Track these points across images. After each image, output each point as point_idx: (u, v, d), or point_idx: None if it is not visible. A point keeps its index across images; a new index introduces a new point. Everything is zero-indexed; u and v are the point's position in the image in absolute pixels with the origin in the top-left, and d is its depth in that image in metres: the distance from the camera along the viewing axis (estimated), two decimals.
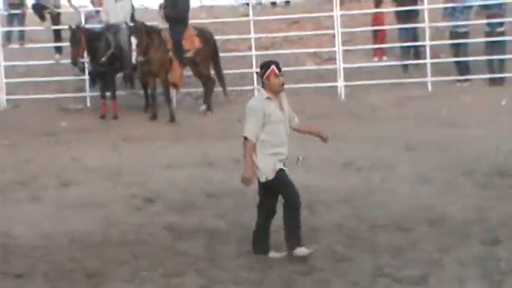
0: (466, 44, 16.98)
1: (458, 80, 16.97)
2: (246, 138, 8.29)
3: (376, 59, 18.62)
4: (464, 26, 16.92)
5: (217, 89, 17.00)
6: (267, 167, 8.39)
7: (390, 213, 9.91)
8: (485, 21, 16.61)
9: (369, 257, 8.48)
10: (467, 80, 16.93)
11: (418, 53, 18.00)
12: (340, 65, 17.26)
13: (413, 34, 17.92)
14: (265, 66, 8.38)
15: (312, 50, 18.91)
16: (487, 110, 15.28)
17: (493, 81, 16.52)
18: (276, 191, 8.52)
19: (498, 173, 11.43)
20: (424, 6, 17.29)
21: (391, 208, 10.13)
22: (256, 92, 17.36)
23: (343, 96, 17.14)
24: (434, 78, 16.85)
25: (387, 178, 11.57)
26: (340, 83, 17.18)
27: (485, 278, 7.82)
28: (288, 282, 7.98)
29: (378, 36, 18.59)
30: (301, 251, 8.40)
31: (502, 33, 16.52)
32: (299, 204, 8.48)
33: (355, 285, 7.84)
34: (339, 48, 17.35)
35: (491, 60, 16.64)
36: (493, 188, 10.77)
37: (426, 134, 14.07)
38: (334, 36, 17.57)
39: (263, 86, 8.39)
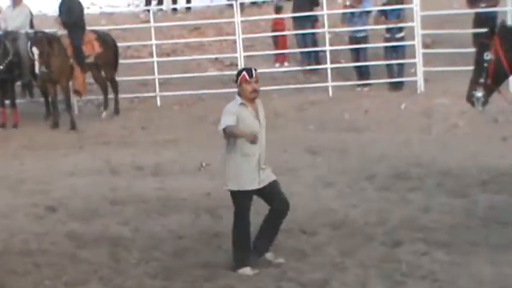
0: (365, 49, 17.25)
1: (359, 85, 17.22)
2: (224, 131, 8.10)
3: (277, 64, 18.76)
4: (363, 31, 17.19)
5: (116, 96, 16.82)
6: (241, 175, 8.25)
7: (294, 218, 9.95)
8: (383, 26, 16.91)
9: (275, 262, 8.52)
10: (367, 84, 17.19)
11: (318, 58, 18.21)
12: None
13: (313, 39, 18.13)
14: (238, 72, 8.37)
15: (213, 56, 18.92)
16: (387, 114, 15.55)
17: (392, 86, 16.83)
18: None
19: (398, 176, 11.64)
20: (323, 12, 17.49)
21: (294, 212, 10.16)
22: (158, 100, 17.32)
23: None
24: (335, 83, 17.06)
25: (290, 182, 11.63)
26: None
27: (387, 279, 7.96)
28: None
29: (279, 42, 18.73)
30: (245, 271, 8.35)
31: (401, 39, 16.85)
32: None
33: None
34: (240, 54, 17.41)
35: (390, 65, 16.95)
36: (394, 191, 10.96)
37: (328, 139, 14.24)
38: (235, 42, 17.61)
39: (238, 93, 8.32)
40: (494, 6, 16.41)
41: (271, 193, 8.43)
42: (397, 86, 16.78)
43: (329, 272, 8.20)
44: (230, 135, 8.11)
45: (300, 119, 15.96)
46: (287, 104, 16.70)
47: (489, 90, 8.31)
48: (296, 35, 18.36)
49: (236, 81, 8.31)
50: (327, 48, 17.33)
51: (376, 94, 16.67)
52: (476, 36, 15.84)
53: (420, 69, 16.56)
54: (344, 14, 17.47)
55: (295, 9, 18.14)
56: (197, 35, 20.00)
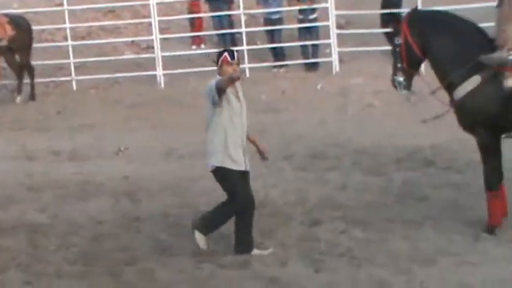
0: (280, 30, 17.35)
1: (275, 66, 17.33)
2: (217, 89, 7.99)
3: (194, 46, 18.73)
4: (277, 12, 17.28)
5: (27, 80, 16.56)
6: (229, 155, 8.13)
7: (213, 200, 9.99)
8: (297, 7, 17.02)
9: (193, 244, 8.56)
10: (283, 65, 17.31)
11: (234, 40, 18.24)
12: (159, 53, 17.24)
13: (229, 21, 18.15)
14: (219, 53, 8.27)
15: (129, 39, 18.78)
16: (304, 94, 15.69)
17: (308, 67, 16.98)
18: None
19: (315, 156, 11.79)
20: None
21: (214, 194, 10.22)
22: (74, 84, 17.11)
23: (162, 85, 17.14)
24: (251, 65, 17.12)
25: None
26: (159, 72, 17.16)
27: (306, 258, 8.07)
28: (114, 273, 7.94)
29: (195, 24, 18.69)
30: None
31: (314, 20, 17.00)
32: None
33: (180, 272, 7.91)
34: (156, 37, 17.32)
35: (305, 46, 17.09)
36: (311, 171, 11.10)
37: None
38: (151, 24, 17.51)
39: (218, 73, 8.23)
40: None
41: (244, 183, 8.35)
42: (312, 67, 16.94)
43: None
44: (223, 88, 7.98)
45: None
46: (205, 87, 16.67)
47: (408, 75, 8.43)
48: (212, 17, 18.35)
49: (216, 62, 8.23)
50: (243, 30, 17.37)
51: (293, 75, 16.80)
52: (383, 18, 16.17)
53: (335, 49, 16.74)
54: None
55: None
56: (112, 18, 19.83)
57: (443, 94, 8.58)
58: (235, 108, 8.15)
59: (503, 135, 8.32)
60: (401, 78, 8.42)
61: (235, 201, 8.21)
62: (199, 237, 8.26)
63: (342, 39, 16.95)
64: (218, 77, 8.14)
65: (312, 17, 16.92)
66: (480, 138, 8.29)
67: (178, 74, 17.21)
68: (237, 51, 8.34)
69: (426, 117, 9.36)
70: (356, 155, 11.64)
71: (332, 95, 15.47)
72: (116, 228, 9.30)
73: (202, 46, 18.76)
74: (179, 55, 17.80)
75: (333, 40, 16.72)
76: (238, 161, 8.17)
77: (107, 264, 8.17)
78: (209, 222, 8.30)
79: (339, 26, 17.26)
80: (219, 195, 10.04)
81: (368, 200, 9.73)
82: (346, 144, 12.25)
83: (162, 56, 17.25)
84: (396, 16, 8.44)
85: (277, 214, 9.47)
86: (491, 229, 8.34)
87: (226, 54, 8.20)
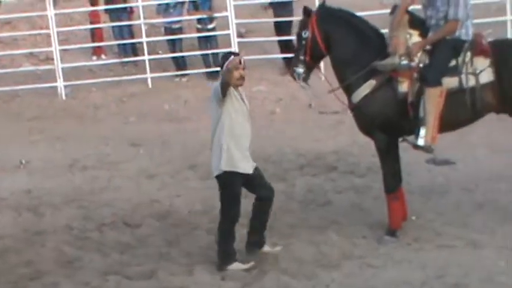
0: (181, 39, 17.36)
1: (177, 75, 17.32)
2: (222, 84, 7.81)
3: (94, 57, 18.56)
4: (178, 22, 17.28)
5: None
6: (232, 157, 7.95)
7: (117, 211, 9.96)
8: (196, 17, 17.06)
9: (99, 256, 8.49)
10: (185, 74, 17.31)
11: (135, 49, 18.16)
12: (59, 64, 17.01)
13: (130, 31, 18.07)
14: (225, 57, 8.05)
15: (27, 51, 18.47)
16: (206, 103, 15.70)
17: (209, 75, 17.02)
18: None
19: None
20: (139, 3, 17.45)
21: (118, 206, 10.18)
22: None
23: (64, 97, 16.91)
24: (153, 74, 17.07)
25: (113, 176, 11.61)
26: (60, 83, 16.94)
27: (212, 265, 8.08)
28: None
29: (96, 34, 18.53)
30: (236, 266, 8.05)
31: (213, 29, 17.08)
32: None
33: (86, 285, 7.82)
34: (55, 48, 17.09)
35: (206, 55, 17.13)
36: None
37: (149, 130, 14.26)
38: (50, 36, 17.27)
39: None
40: None
41: (257, 180, 8.17)
42: (214, 76, 16.97)
43: (155, 263, 8.24)
44: (228, 80, 7.81)
45: (120, 111, 15.89)
46: (106, 97, 16.58)
47: (309, 67, 8.55)
48: (112, 27, 18.22)
49: (221, 66, 8.00)
50: (144, 39, 17.30)
51: (195, 84, 16.82)
52: (276, 26, 16.40)
53: None
54: (159, 5, 17.49)
55: (109, 1, 17.99)
56: (9, 30, 19.45)
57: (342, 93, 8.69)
58: (240, 110, 8.02)
59: (400, 139, 8.51)
60: (301, 70, 8.51)
61: (229, 212, 8.01)
62: (234, 267, 7.98)
63: (242, 48, 17.04)
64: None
65: (210, 26, 16.99)
66: (378, 142, 8.46)
67: (80, 85, 17.03)
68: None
69: (324, 111, 9.52)
70: (259, 162, 11.65)
71: None
72: (19, 242, 9.13)
73: (103, 57, 18.60)
74: (80, 66, 17.61)
75: (234, 48, 16.80)
76: (244, 164, 8.03)
77: (10, 280, 8.02)
78: (221, 252, 8.06)
79: (239, 35, 17.37)
80: (122, 206, 10.03)
81: (272, 207, 9.78)
82: (249, 151, 12.28)
83: (63, 68, 17.04)
84: (306, 10, 8.49)
85: (183, 223, 9.47)
86: (392, 232, 8.51)
87: (232, 57, 8.01)
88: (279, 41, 16.69)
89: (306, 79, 8.59)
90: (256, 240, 8.21)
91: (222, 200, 8.06)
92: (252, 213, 8.24)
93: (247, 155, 8.06)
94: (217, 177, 8.04)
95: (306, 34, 8.43)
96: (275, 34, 16.71)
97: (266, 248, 8.25)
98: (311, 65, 8.52)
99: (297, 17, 15.88)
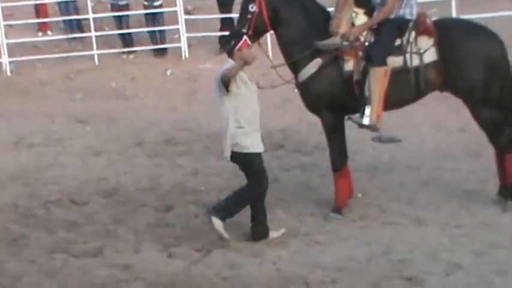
0: (127, 16, 17.22)
1: (124, 52, 17.19)
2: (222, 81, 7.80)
3: (40, 33, 18.33)
4: None
5: None
6: (248, 137, 7.91)
7: (64, 189, 9.89)
8: None
9: (45, 234, 8.43)
10: (132, 51, 17.20)
11: (81, 26, 17.97)
12: (3, 40, 16.77)
13: (76, 7, 17.86)
14: (235, 36, 7.99)
15: None
16: (154, 80, 15.66)
17: (157, 53, 16.94)
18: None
19: (167, 142, 11.81)
20: None
21: (64, 183, 10.11)
22: None
23: (8, 73, 16.69)
24: (100, 51, 16.92)
25: (59, 153, 11.52)
26: (5, 59, 16.71)
27: (159, 243, 8.09)
28: None
29: (41, 10, 18.29)
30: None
31: (159, 6, 16.98)
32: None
33: (32, 263, 7.76)
34: (0, 24, 16.83)
35: (153, 32, 17.03)
36: (163, 157, 11.12)
37: (96, 107, 14.16)
38: None
39: (230, 56, 7.96)
40: None
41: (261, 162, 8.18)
42: (161, 53, 16.91)
43: (102, 241, 8.22)
44: (230, 77, 7.78)
45: (67, 88, 15.74)
46: (53, 74, 16.40)
47: (251, 41, 8.55)
48: (58, 3, 17.99)
49: (233, 46, 7.92)
50: (90, 16, 17.13)
51: (142, 61, 16.73)
52: (219, 3, 16.39)
53: (183, 35, 16.76)
54: None
55: None
56: None
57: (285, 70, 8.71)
58: (251, 91, 8.00)
59: (346, 117, 8.58)
60: None
61: (260, 186, 8.06)
62: (217, 223, 7.99)
63: (190, 25, 16.99)
64: (229, 62, 7.96)
65: (157, 3, 16.89)
66: (324, 121, 8.52)
67: (26, 61, 16.81)
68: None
69: (260, 84, 9.56)
70: (207, 140, 11.72)
71: (182, 81, 15.51)
72: None
73: (49, 33, 18.38)
74: (25, 42, 17.39)
75: (181, 26, 16.73)
76: (259, 143, 8.04)
77: None
78: (228, 208, 8.08)
79: (186, 12, 17.29)
80: (69, 184, 9.95)
81: (220, 184, 9.83)
82: (196, 129, 12.32)
83: (7, 43, 16.80)
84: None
85: (130, 201, 9.44)
86: (338, 209, 8.59)
87: (246, 37, 7.98)
88: (221, 19, 16.70)
89: None
90: (262, 224, 8.19)
91: (250, 179, 8.07)
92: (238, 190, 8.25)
93: (259, 133, 8.09)
94: (236, 159, 8.02)
95: (253, 8, 8.41)
96: (218, 11, 16.71)
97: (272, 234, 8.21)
98: (252, 39, 8.53)
99: None
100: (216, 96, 8.08)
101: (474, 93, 8.31)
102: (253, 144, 7.97)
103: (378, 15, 8.32)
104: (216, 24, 17.04)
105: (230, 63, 7.97)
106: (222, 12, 16.63)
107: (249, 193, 8.11)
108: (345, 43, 8.20)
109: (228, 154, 8.00)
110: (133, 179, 10.25)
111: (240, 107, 7.88)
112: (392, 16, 8.32)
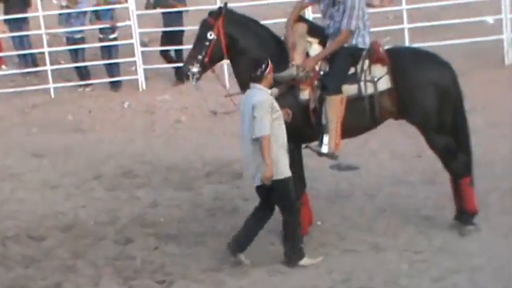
0: (83, 49, 17.17)
1: (80, 85, 17.12)
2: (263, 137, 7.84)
3: None
4: (80, 31, 17.08)
5: None
6: (284, 163, 7.99)
7: (21, 223, 9.80)
8: (98, 26, 16.90)
9: (2, 270, 8.36)
10: (89, 84, 17.13)
11: (36, 60, 17.86)
12: None
13: (29, 42, 17.77)
14: (259, 63, 8.01)
15: None
16: (111, 113, 15.60)
17: (113, 85, 16.89)
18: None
19: (125, 174, 11.76)
20: (39, 13, 17.18)
21: (21, 218, 10.02)
22: None
23: None
24: (56, 85, 16.82)
25: (16, 188, 11.42)
26: None
27: (119, 276, 8.06)
28: None
29: None
30: (306, 261, 8.12)
31: (115, 39, 16.96)
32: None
33: None
34: None
35: (109, 65, 16.99)
36: (122, 190, 11.07)
37: (52, 141, 14.05)
38: None
39: (259, 82, 7.97)
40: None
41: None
42: (117, 85, 16.88)
43: (61, 276, 8.16)
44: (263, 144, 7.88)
45: (23, 122, 15.60)
46: (8, 108, 16.26)
47: (204, 68, 8.58)
48: (12, 37, 17.89)
49: (263, 71, 7.97)
50: (45, 49, 17.05)
51: (99, 94, 16.66)
52: (168, 36, 16.49)
53: (140, 67, 16.76)
54: (61, 15, 17.25)
55: (7, 11, 17.64)
56: None
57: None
58: (279, 119, 8.06)
59: (303, 145, 8.64)
60: (195, 69, 8.53)
61: (296, 210, 8.15)
62: (307, 261, 8.08)
63: (146, 57, 16.99)
64: (263, 88, 8.01)
65: (112, 36, 16.87)
66: None
67: None
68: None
69: (216, 110, 9.63)
70: (166, 171, 11.71)
71: (139, 113, 15.47)
72: None
73: (3, 67, 18.25)
74: None
75: (137, 58, 16.73)
76: (288, 167, 8.11)
77: None
78: (288, 238, 8.15)
79: (142, 44, 17.30)
80: (26, 218, 9.84)
81: (179, 216, 9.82)
82: (155, 161, 12.30)
83: None
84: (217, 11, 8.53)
85: (88, 234, 9.39)
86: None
87: (270, 63, 8.05)
88: (162, 51, 16.78)
89: (198, 79, 8.61)
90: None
91: (287, 205, 8.10)
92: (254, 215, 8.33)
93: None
94: (282, 184, 8.03)
95: (212, 36, 8.46)
96: (160, 44, 16.79)
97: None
98: (207, 67, 8.58)
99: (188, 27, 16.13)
100: (245, 125, 8.07)
101: (428, 121, 8.44)
102: (288, 169, 8.07)
103: (331, 45, 8.43)
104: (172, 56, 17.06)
105: (260, 87, 7.99)
106: (167, 45, 16.68)
107: (290, 221, 8.12)
108: (301, 74, 8.28)
109: (259, 182, 8.03)
110: (92, 212, 10.19)
111: (276, 133, 7.96)
112: (345, 45, 8.43)
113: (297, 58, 8.34)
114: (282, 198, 8.09)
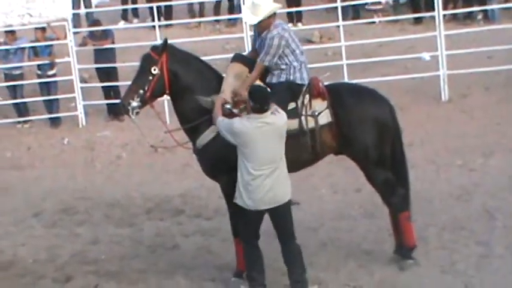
0: (22, 85, 17.03)
1: (19, 122, 16.96)
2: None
3: None
4: (18, 68, 16.95)
5: None
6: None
7: None
8: (36, 63, 16.80)
9: None
10: (27, 121, 16.98)
11: None
12: None
13: None
14: (263, 95, 7.92)
15: None
16: (51, 149, 15.47)
17: (53, 122, 16.77)
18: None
19: (65, 211, 11.66)
20: None
21: None
22: None
23: None
24: None
25: None
26: None
27: None
28: None
29: None
30: None
31: (53, 75, 16.87)
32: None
33: None
34: None
35: (48, 101, 16.86)
36: (62, 227, 10.97)
37: None
38: None
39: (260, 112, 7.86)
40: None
41: None
42: (57, 122, 16.76)
43: None
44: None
45: None
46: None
47: (145, 102, 8.55)
48: None
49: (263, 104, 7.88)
50: None
51: (38, 130, 16.51)
52: (104, 72, 16.52)
53: (80, 103, 16.67)
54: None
55: None
56: None
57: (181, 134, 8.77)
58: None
59: None
60: (135, 104, 8.49)
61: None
62: None
63: (86, 93, 16.92)
64: (279, 113, 7.95)
65: (50, 72, 16.78)
66: (223, 185, 8.56)
67: None
68: None
69: (155, 145, 9.63)
70: (107, 208, 11.64)
71: (79, 149, 15.37)
72: None
73: None
74: None
75: (77, 94, 16.65)
76: None
77: None
78: (302, 265, 8.15)
79: (82, 80, 17.23)
80: None
81: (120, 252, 9.75)
82: (96, 197, 12.22)
83: None
84: (161, 46, 8.54)
85: (27, 273, 9.28)
86: (240, 273, 8.60)
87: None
88: (104, 87, 16.77)
89: (138, 113, 8.58)
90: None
91: (291, 229, 8.16)
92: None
93: None
94: (288, 206, 8.10)
95: (156, 71, 8.45)
96: (99, 80, 16.79)
97: None
98: (147, 102, 8.57)
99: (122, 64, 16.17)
100: (278, 148, 8.04)
101: (367, 155, 8.54)
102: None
103: (248, 79, 8.47)
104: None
105: (277, 115, 7.93)
106: (107, 81, 16.66)
107: (297, 248, 8.15)
108: (227, 106, 8.30)
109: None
110: (31, 250, 10.07)
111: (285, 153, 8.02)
112: (282, 80, 8.53)
113: (227, 93, 8.38)
114: (287, 222, 8.16)
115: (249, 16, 8.58)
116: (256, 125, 7.79)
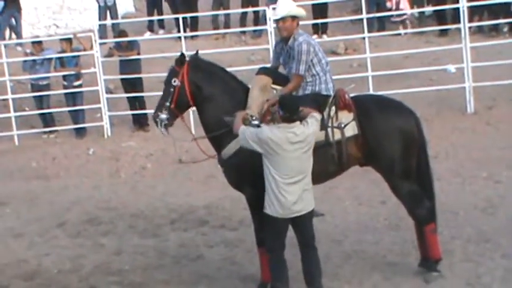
0: (48, 96, 17.15)
1: (45, 132, 17.07)
2: None
3: None
4: (45, 78, 17.07)
5: None
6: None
7: None
8: (63, 73, 16.90)
9: None
10: (53, 131, 17.08)
11: None
12: None
13: None
14: (294, 101, 8.01)
15: None
16: (76, 160, 15.54)
17: (78, 132, 16.86)
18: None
19: (90, 221, 11.69)
20: (3, 60, 17.17)
21: None
22: None
23: None
24: (20, 132, 16.77)
25: None
26: None
27: None
28: None
29: None
30: None
31: (79, 86, 16.96)
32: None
33: None
34: None
35: (74, 112, 16.96)
36: (86, 237, 10.99)
37: (16, 188, 13.95)
38: None
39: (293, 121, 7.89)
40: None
41: None
42: (82, 132, 16.84)
43: None
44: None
45: None
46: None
47: (173, 115, 8.59)
48: None
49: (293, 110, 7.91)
50: (9, 96, 17.00)
51: (64, 141, 16.61)
52: (130, 83, 16.62)
53: (106, 114, 16.76)
54: (25, 61, 17.24)
55: None
56: None
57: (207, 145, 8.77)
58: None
59: None
60: (164, 116, 8.54)
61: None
62: None
63: (112, 103, 17.00)
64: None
65: (76, 83, 16.87)
66: (248, 196, 8.56)
67: None
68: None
69: (183, 159, 9.60)
70: (131, 218, 11.67)
71: (104, 159, 15.43)
72: None
73: None
74: None
75: (103, 104, 16.74)
76: None
77: None
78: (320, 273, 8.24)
79: (108, 91, 17.32)
80: None
81: (144, 263, 9.76)
82: (120, 207, 12.25)
83: None
84: (180, 58, 8.58)
85: (52, 283, 9.30)
86: (265, 285, 8.57)
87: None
88: (129, 98, 16.87)
89: (167, 126, 8.62)
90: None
91: (312, 236, 8.24)
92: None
93: None
94: (311, 215, 8.16)
95: (176, 82, 8.49)
96: (124, 91, 16.89)
97: None
98: (175, 113, 8.59)
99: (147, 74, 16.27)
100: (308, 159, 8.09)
101: (393, 167, 8.50)
102: None
103: (283, 90, 8.47)
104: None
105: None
106: (133, 92, 16.74)
107: (317, 256, 8.25)
108: (254, 122, 8.27)
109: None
110: (55, 260, 10.10)
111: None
112: (308, 92, 8.52)
113: (254, 107, 8.38)
114: (311, 230, 8.20)
115: (276, 11, 8.65)
116: (286, 135, 7.78)
